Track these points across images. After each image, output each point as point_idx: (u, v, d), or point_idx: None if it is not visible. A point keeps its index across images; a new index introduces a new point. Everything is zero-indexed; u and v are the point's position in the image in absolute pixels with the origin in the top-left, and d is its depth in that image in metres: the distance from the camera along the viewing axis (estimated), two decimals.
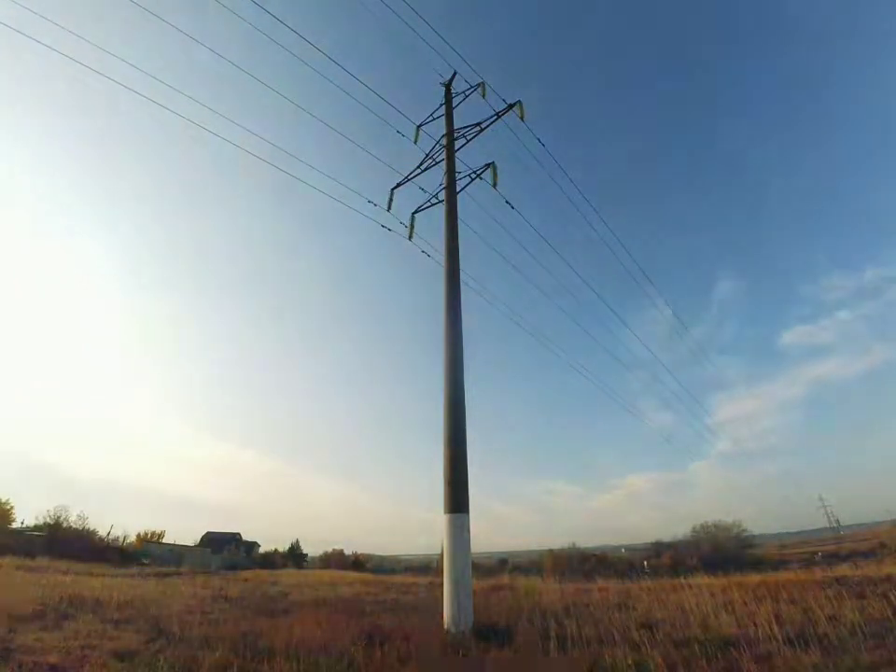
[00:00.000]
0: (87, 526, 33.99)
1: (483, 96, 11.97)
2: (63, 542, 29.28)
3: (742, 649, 5.17)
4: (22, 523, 34.53)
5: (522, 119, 11.66)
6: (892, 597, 6.98)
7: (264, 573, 30.70)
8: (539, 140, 12.49)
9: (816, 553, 44.94)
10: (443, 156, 11.45)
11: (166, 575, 21.43)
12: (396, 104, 11.80)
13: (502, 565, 54.77)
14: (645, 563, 42.00)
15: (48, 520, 32.68)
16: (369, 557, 59.72)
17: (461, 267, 9.75)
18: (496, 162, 11.36)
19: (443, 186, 10.97)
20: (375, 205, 12.08)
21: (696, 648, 5.29)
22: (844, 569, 15.40)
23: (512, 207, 11.99)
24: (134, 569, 23.95)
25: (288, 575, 28.38)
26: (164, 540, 46.83)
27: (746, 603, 8.03)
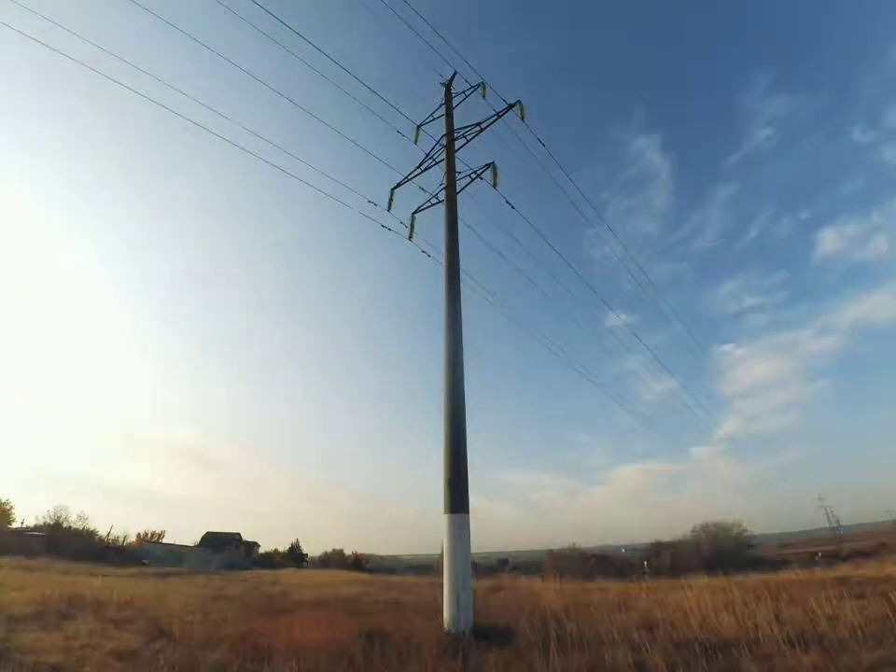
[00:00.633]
0: (87, 526, 34.06)
1: (484, 96, 11.95)
2: (63, 542, 29.28)
3: (742, 649, 5.17)
4: (22, 523, 34.56)
5: (522, 118, 11.65)
6: (892, 597, 6.97)
7: (264, 573, 30.74)
8: (539, 140, 12.49)
9: (816, 553, 44.93)
10: (443, 156, 11.44)
11: (166, 575, 21.44)
12: (396, 104, 11.80)
13: (502, 565, 54.80)
14: (645, 563, 42.00)
15: (48, 520, 32.71)
16: (369, 557, 59.76)
17: (461, 267, 9.75)
18: (496, 162, 11.35)
19: (443, 186, 10.97)
20: (375, 205, 12.07)
21: (696, 648, 5.28)
22: (844, 569, 15.40)
23: (513, 207, 11.99)
24: (135, 569, 23.95)
25: (288, 575, 28.41)
26: (164, 540, 46.89)
27: (746, 603, 8.02)
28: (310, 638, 6.07)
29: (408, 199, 12.71)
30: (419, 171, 12.38)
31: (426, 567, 49.33)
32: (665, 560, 39.65)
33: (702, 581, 12.47)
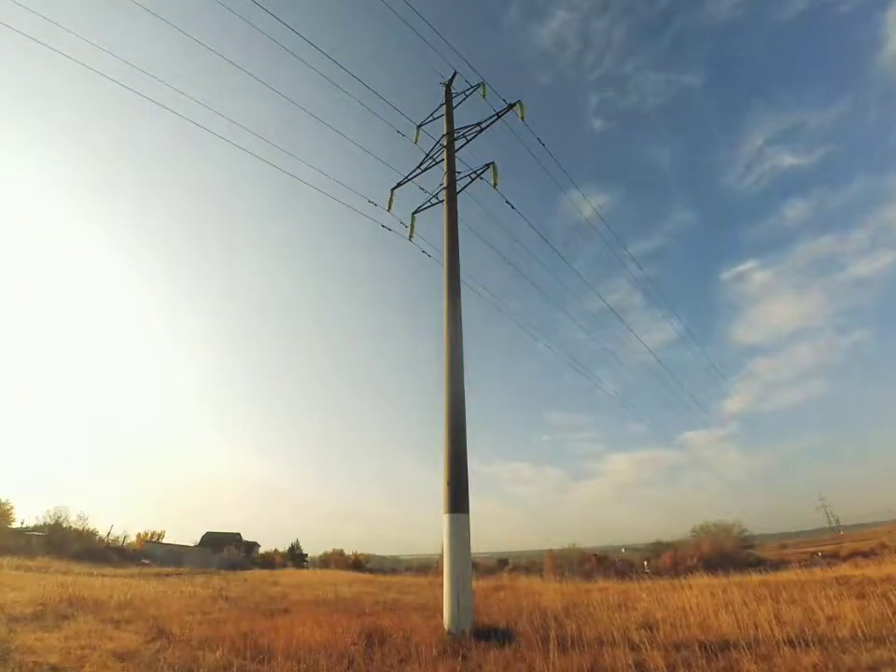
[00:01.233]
0: (87, 527, 34.00)
1: (484, 96, 11.96)
2: (63, 542, 29.25)
3: (742, 649, 5.17)
4: (22, 523, 34.50)
5: (522, 118, 11.66)
6: (893, 597, 6.97)
7: (264, 573, 30.72)
8: (539, 140, 12.49)
9: (816, 552, 44.94)
10: (443, 156, 11.44)
11: (166, 575, 21.43)
12: (396, 104, 11.79)
13: (502, 565, 54.80)
14: (645, 563, 42.01)
15: (48, 520, 32.66)
16: (369, 557, 59.72)
17: (461, 266, 9.75)
18: (496, 162, 11.35)
19: (443, 186, 10.97)
20: (376, 205, 12.07)
21: (696, 648, 5.29)
22: (844, 569, 15.39)
23: (513, 207, 11.98)
24: (134, 569, 23.95)
25: (288, 575, 28.39)
26: (164, 540, 46.85)
27: (746, 603, 8.01)
28: (310, 638, 6.07)
29: (408, 199, 12.73)
30: (419, 171, 12.39)
31: (426, 567, 49.31)
32: (665, 560, 39.67)
33: (702, 580, 12.45)
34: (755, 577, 13.56)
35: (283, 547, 61.60)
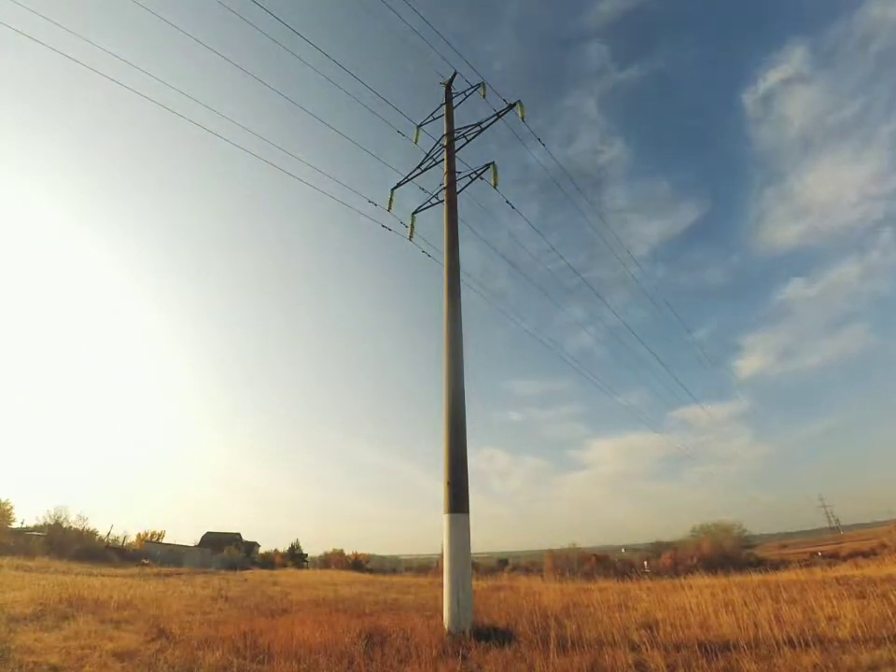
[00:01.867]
0: (87, 527, 33.99)
1: (484, 96, 11.96)
2: (63, 542, 29.25)
3: (742, 649, 5.17)
4: (22, 523, 34.48)
5: (522, 118, 11.65)
6: (893, 597, 6.97)
7: (264, 573, 30.74)
8: (539, 140, 12.49)
9: (816, 552, 44.97)
10: (443, 156, 11.44)
11: (166, 575, 21.43)
12: (396, 104, 11.79)
13: (502, 565, 54.84)
14: (645, 563, 42.05)
15: (48, 520, 32.65)
16: (369, 557, 59.76)
17: (461, 266, 9.75)
18: (496, 162, 11.35)
19: (443, 186, 10.96)
20: (376, 205, 12.07)
21: (697, 648, 5.28)
22: (844, 569, 15.39)
23: (513, 207, 11.99)
24: (134, 569, 23.95)
25: (288, 575, 28.41)
26: (164, 540, 46.86)
27: (746, 603, 8.01)
28: (310, 638, 6.06)
29: (408, 199, 12.73)
30: (419, 171, 12.38)
31: (426, 567, 49.34)
32: (665, 560, 39.68)
33: (702, 581, 12.45)
34: (755, 577, 13.56)
35: (283, 547, 61.76)
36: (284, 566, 50.43)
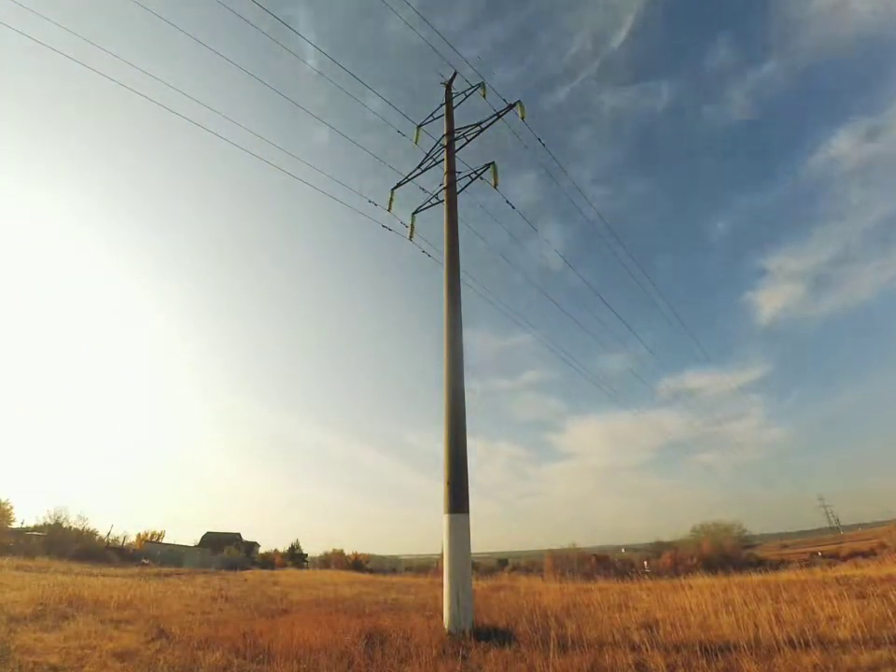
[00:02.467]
0: (87, 527, 33.97)
1: (484, 96, 11.96)
2: (63, 542, 29.23)
3: (742, 649, 5.17)
4: (22, 523, 34.48)
5: (522, 118, 11.64)
6: (893, 597, 6.97)
7: (264, 573, 30.73)
8: (539, 140, 12.48)
9: (816, 552, 44.98)
10: (443, 156, 11.44)
11: (166, 575, 21.42)
12: (396, 103, 11.80)
13: (502, 565, 54.87)
14: (645, 563, 42.05)
15: (48, 520, 32.63)
16: (369, 557, 59.74)
17: (461, 266, 9.74)
18: (496, 162, 11.35)
19: (443, 186, 10.96)
20: (376, 205, 12.08)
21: (697, 648, 5.28)
22: (844, 569, 15.40)
23: (513, 207, 11.99)
24: (135, 569, 23.94)
25: (288, 575, 28.40)
26: (164, 540, 46.81)
27: (746, 603, 8.02)
28: (310, 638, 6.06)
29: (408, 199, 12.73)
30: (419, 171, 12.38)
31: (426, 568, 49.34)
32: (665, 560, 39.69)
33: (702, 581, 12.45)
34: (755, 577, 13.56)
35: (283, 547, 61.68)
36: (284, 566, 50.40)
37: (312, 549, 62.51)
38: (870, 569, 13.90)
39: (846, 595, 7.97)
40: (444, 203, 10.56)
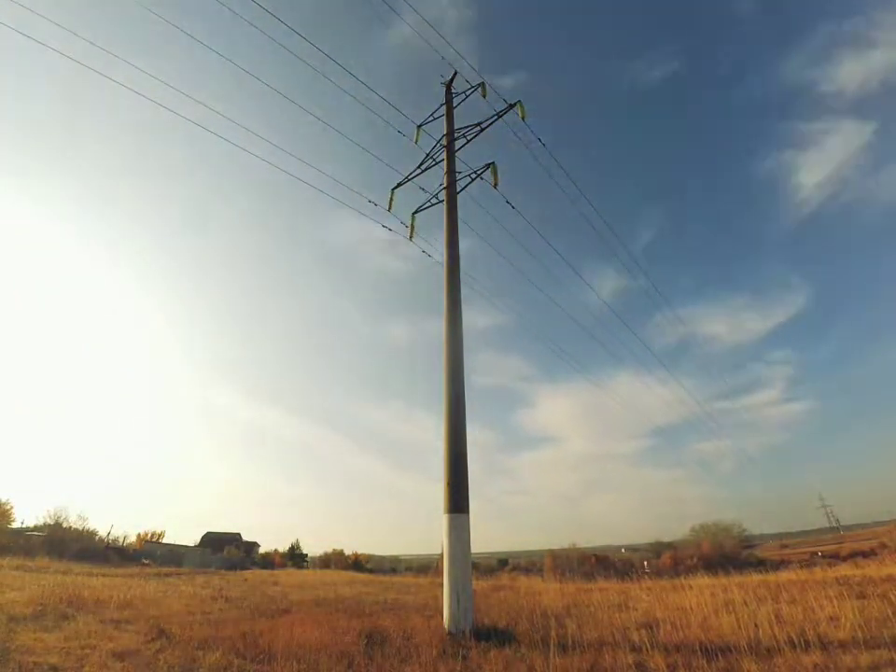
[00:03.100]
0: (87, 527, 33.96)
1: (484, 96, 11.96)
2: (63, 542, 29.24)
3: (743, 649, 5.17)
4: (22, 523, 34.49)
5: (522, 118, 11.64)
6: (893, 597, 6.97)
7: (264, 573, 30.73)
8: (539, 140, 12.48)
9: (816, 552, 44.99)
10: (444, 156, 11.44)
11: (166, 575, 21.42)
12: (396, 103, 11.80)
13: (502, 565, 54.89)
14: (645, 563, 42.07)
15: (48, 520, 32.64)
16: (369, 557, 59.77)
17: (461, 267, 9.75)
18: (496, 162, 11.34)
19: (444, 186, 10.96)
20: (376, 205, 12.08)
21: (697, 648, 5.28)
22: (844, 569, 15.39)
23: (513, 207, 11.98)
24: (135, 569, 23.94)
25: (288, 575, 28.39)
26: (164, 540, 46.83)
27: (746, 603, 8.01)
28: (310, 638, 6.07)
29: (408, 199, 12.73)
30: (419, 171, 12.39)
31: (426, 568, 49.33)
32: (665, 560, 39.70)
33: (702, 581, 12.44)
34: (755, 577, 13.56)
35: (283, 547, 61.72)
36: (284, 566, 50.45)
37: (312, 549, 62.58)
38: (870, 569, 13.88)
39: (846, 595, 7.97)
40: (444, 203, 10.56)
